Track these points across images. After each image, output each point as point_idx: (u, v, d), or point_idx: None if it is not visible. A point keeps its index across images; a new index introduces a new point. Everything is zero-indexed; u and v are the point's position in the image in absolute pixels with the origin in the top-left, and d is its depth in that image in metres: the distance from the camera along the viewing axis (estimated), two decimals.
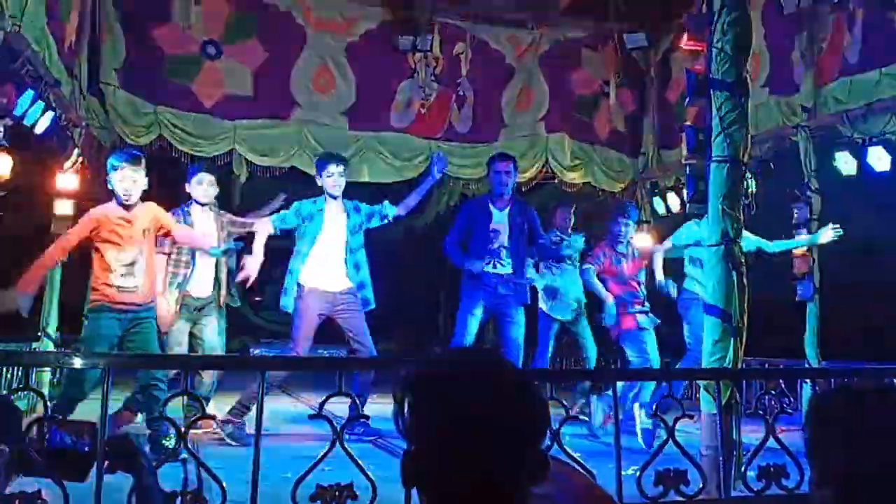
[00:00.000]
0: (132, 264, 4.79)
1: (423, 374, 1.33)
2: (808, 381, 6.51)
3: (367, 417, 3.80)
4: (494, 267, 5.96)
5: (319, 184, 5.88)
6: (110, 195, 4.94)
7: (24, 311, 4.52)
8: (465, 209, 6.37)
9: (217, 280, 5.80)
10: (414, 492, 1.26)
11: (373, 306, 5.91)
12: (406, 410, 1.29)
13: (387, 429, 5.52)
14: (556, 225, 7.00)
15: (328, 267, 5.73)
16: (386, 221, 6.05)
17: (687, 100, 4.45)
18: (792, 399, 5.14)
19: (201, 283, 5.76)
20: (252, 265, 5.58)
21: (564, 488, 1.51)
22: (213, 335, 5.77)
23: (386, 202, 6.06)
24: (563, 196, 9.16)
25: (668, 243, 6.34)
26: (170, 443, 4.61)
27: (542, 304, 6.81)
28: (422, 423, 1.28)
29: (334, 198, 5.84)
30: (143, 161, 4.96)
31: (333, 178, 5.79)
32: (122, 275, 4.76)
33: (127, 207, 4.84)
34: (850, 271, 7.75)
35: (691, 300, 5.93)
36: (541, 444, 1.29)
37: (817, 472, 1.43)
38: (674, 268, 6.34)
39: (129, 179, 4.82)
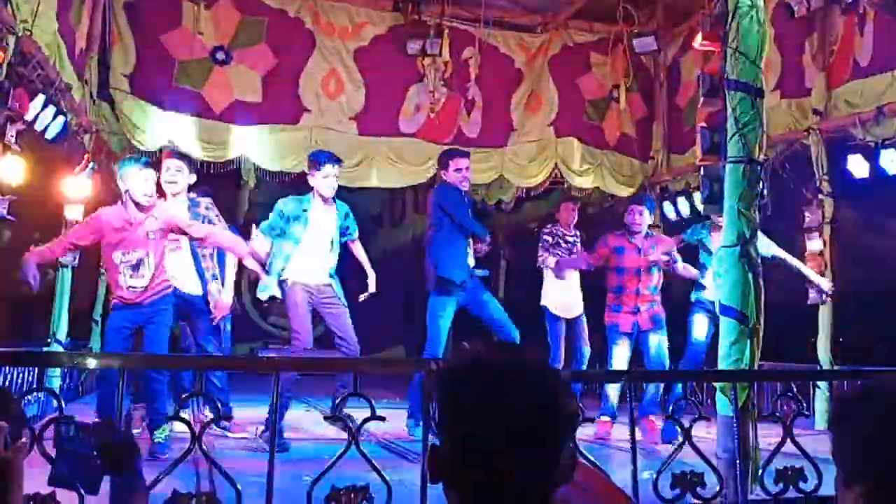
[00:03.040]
0: (138, 265, 4.86)
1: (453, 368, 1.31)
2: (820, 385, 6.51)
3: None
4: None
5: (312, 183, 5.60)
6: (118, 198, 5.00)
7: (31, 283, 4.63)
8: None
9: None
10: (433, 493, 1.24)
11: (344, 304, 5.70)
12: (436, 404, 1.28)
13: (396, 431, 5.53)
14: (562, 222, 7.07)
15: (312, 261, 5.53)
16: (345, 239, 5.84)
17: (701, 101, 4.43)
18: (805, 404, 5.12)
19: None
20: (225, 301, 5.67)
21: (585, 493, 1.49)
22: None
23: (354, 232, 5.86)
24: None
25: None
26: (161, 437, 4.68)
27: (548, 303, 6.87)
28: (451, 418, 1.26)
29: (324, 199, 5.59)
30: None
31: (330, 180, 5.55)
32: (129, 276, 4.85)
33: (141, 209, 4.88)
34: (863, 275, 7.70)
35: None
36: (570, 441, 1.27)
37: (845, 472, 1.41)
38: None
39: (151, 181, 4.93)
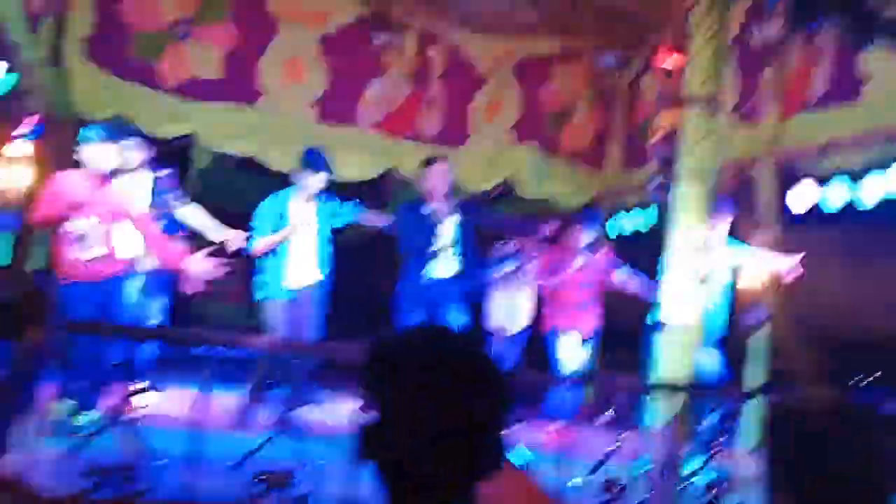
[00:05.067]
0: (84, 237, 4.79)
1: (387, 346, 1.29)
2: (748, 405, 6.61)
3: None
4: None
5: (296, 176, 5.92)
6: (72, 165, 5.00)
7: None
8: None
9: None
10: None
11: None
12: (369, 382, 1.26)
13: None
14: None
15: (300, 260, 5.75)
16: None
17: (658, 116, 4.49)
18: (734, 422, 5.20)
19: None
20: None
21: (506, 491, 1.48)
22: None
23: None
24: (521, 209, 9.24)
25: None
26: (78, 420, 4.56)
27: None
28: (383, 396, 1.25)
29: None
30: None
31: (316, 185, 5.82)
32: (76, 248, 4.80)
33: (97, 183, 4.89)
34: (800, 309, 7.82)
35: None
36: (501, 431, 1.26)
37: (771, 489, 1.47)
38: None
39: (111, 157, 4.98)
